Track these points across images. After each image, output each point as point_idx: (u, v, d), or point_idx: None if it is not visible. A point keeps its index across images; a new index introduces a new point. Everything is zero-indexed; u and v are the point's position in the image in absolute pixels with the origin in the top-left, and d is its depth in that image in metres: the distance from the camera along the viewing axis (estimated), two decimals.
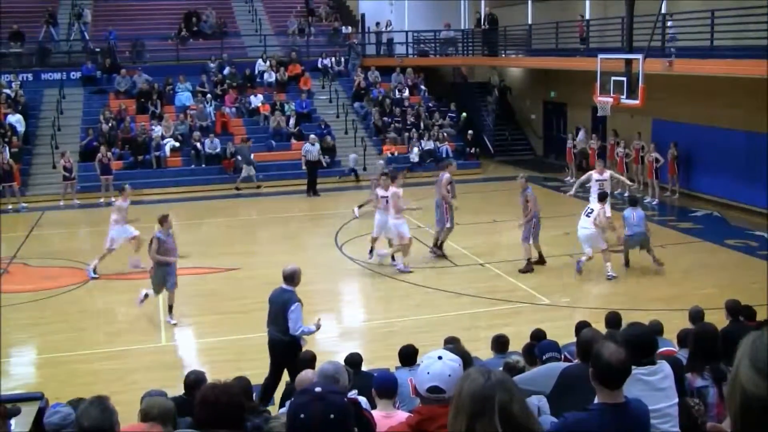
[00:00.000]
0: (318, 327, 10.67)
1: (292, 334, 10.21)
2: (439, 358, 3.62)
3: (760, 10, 18.49)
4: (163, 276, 14.28)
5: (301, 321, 10.27)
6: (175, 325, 14.20)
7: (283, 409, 6.71)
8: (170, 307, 14.40)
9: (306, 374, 6.95)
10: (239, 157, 28.06)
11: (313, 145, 27.16)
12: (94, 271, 17.31)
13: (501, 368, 7.18)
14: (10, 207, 25.03)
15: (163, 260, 14.21)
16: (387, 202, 17.18)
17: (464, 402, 2.73)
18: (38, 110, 30.07)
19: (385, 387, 5.83)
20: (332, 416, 2.71)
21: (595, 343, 4.60)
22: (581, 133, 28.19)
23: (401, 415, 5.42)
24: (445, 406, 3.49)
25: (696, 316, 9.32)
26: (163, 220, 14.48)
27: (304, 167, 27.08)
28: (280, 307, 10.31)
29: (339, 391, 2.87)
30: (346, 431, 2.79)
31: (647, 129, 25.54)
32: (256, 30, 36.38)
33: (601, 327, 9.21)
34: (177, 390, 8.19)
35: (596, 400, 4.18)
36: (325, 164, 27.99)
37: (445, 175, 18.10)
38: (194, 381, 7.75)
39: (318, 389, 2.82)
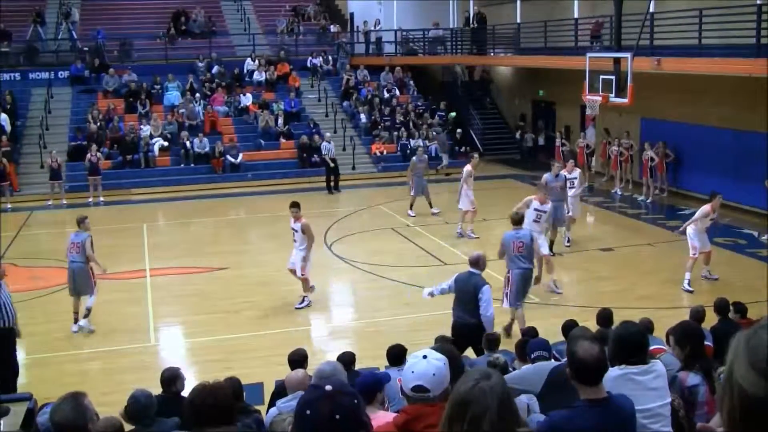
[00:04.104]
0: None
1: (482, 315, 10.49)
2: (424, 357, 3.60)
3: (748, 8, 18.57)
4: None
5: (492, 304, 10.61)
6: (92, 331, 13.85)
7: (273, 409, 6.68)
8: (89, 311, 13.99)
9: (297, 374, 6.92)
10: (437, 146, 30.01)
11: (329, 143, 27.32)
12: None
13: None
14: (9, 206, 25.00)
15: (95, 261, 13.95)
16: None
17: (450, 403, 2.74)
18: (26, 110, 29.93)
19: (367, 388, 5.66)
20: (337, 416, 2.68)
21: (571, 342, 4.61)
22: (590, 132, 27.83)
23: (382, 415, 5.41)
24: (432, 405, 3.49)
25: (696, 315, 9.28)
26: (81, 222, 14.13)
27: (331, 164, 27.34)
28: (469, 290, 10.64)
29: (350, 392, 2.83)
30: None
31: (636, 127, 25.61)
32: (244, 29, 36.32)
33: (589, 325, 9.23)
34: None
35: (580, 398, 4.21)
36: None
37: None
38: (169, 377, 7.80)
39: (329, 387, 2.79)
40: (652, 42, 21.63)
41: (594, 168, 27.38)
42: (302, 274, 14.90)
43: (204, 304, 15.30)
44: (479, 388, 2.71)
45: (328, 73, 34.47)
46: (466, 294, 10.70)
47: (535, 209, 15.49)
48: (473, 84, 36.95)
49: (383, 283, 16.46)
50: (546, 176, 17.76)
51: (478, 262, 10.93)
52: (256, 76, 32.83)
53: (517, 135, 33.55)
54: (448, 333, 10.34)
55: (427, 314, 14.37)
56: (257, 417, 6.97)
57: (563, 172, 17.98)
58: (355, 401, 2.78)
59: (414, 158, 22.90)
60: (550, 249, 16.85)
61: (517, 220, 13.24)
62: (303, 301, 15.09)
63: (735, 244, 18.71)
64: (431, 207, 22.41)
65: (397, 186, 26.32)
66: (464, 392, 2.71)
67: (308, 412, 2.71)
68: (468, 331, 10.44)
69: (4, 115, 27.93)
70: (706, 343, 8.21)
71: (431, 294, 11.48)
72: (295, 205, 15.06)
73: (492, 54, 33.31)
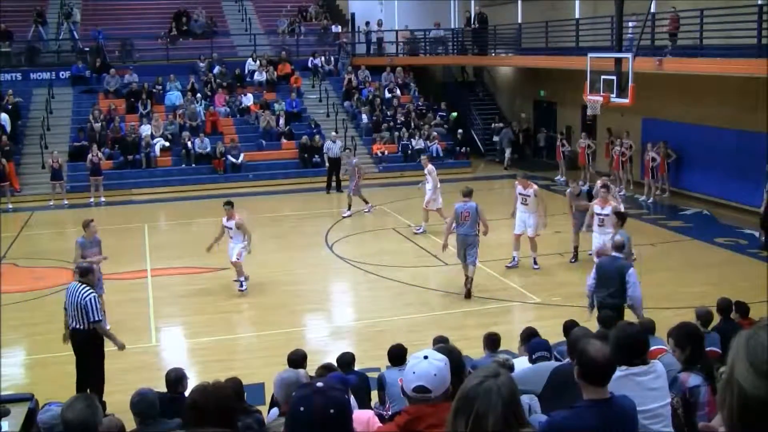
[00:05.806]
0: None
1: (630, 297, 10.87)
2: (425, 357, 3.61)
3: (749, 9, 18.57)
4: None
5: (639, 286, 10.92)
6: None
7: (274, 410, 6.69)
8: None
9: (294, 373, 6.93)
10: (501, 141, 31.36)
11: (334, 142, 27.54)
12: None
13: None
14: (10, 206, 25.00)
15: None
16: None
17: (456, 397, 2.78)
18: (27, 110, 29.93)
19: None
20: (332, 411, 2.73)
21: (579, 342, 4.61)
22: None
23: (362, 414, 5.46)
24: (433, 406, 3.49)
25: (704, 317, 9.26)
26: (86, 226, 13.83)
27: (326, 164, 27.57)
28: (613, 273, 11.02)
29: (340, 388, 2.90)
30: (345, 427, 2.80)
31: (637, 128, 25.57)
32: (245, 29, 36.34)
33: (590, 325, 9.22)
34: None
35: (583, 398, 4.20)
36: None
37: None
38: (175, 378, 7.86)
39: (320, 384, 2.84)
40: (653, 42, 21.62)
41: (595, 168, 27.37)
42: (237, 259, 15.70)
43: (205, 305, 15.31)
44: (486, 386, 2.72)
45: (330, 73, 34.47)
46: (611, 278, 11.09)
47: (519, 193, 17.22)
48: (470, 84, 36.88)
49: (384, 283, 16.46)
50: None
51: (622, 248, 11.61)
52: (257, 76, 32.84)
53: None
54: (448, 333, 10.33)
55: (427, 314, 14.40)
56: (258, 417, 6.98)
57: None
58: (346, 397, 2.84)
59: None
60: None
61: (467, 193, 15.30)
62: (242, 284, 15.88)
63: (736, 244, 18.71)
64: (348, 209, 22.84)
65: (398, 186, 26.36)
66: (470, 388, 2.73)
67: (302, 408, 2.75)
68: (612, 311, 10.73)
69: (5, 115, 27.96)
70: (712, 348, 8.20)
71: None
72: (228, 204, 15.96)
73: (493, 54, 33.32)
